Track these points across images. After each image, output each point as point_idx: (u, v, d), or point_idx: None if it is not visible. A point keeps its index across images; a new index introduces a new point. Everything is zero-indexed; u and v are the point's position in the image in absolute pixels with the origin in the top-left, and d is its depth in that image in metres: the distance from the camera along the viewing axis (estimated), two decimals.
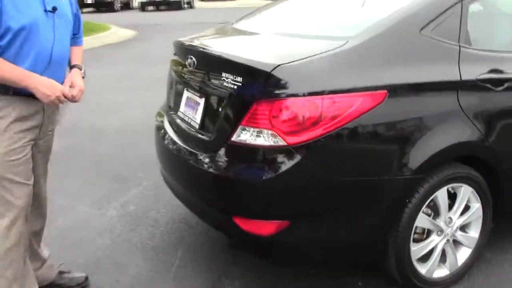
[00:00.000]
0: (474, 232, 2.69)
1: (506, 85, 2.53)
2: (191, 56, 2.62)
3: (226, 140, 2.35)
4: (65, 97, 2.13)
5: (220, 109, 2.43)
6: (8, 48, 1.96)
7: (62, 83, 2.20)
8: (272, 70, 2.15)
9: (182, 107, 2.86)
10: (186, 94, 2.83)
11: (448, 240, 2.58)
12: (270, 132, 2.17)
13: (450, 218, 2.54)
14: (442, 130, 2.35)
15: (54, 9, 2.09)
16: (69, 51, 2.29)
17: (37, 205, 2.39)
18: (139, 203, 3.73)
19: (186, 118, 2.77)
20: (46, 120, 2.23)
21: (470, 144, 2.45)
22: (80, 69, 2.37)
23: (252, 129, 2.23)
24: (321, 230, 2.27)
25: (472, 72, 2.44)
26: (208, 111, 2.56)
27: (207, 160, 2.43)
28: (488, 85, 2.48)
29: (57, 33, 2.12)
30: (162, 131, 3.00)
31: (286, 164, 2.16)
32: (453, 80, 2.38)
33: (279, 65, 2.16)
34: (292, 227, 2.22)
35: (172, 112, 3.02)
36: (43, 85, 2.04)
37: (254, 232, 2.27)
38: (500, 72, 2.55)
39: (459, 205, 2.55)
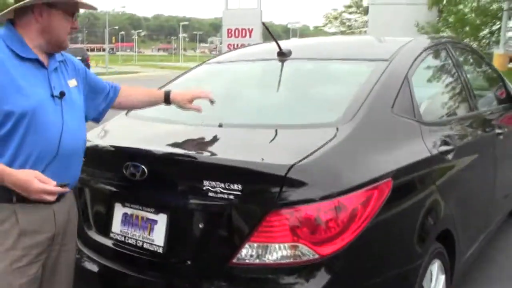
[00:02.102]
0: None
1: (455, 153, 2.62)
2: (136, 164, 2.06)
3: (224, 263, 1.86)
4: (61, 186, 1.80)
5: (203, 226, 1.93)
6: (9, 137, 1.73)
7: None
8: (287, 172, 1.79)
9: (116, 227, 2.21)
10: (121, 210, 2.20)
11: None
12: (294, 245, 1.79)
13: None
14: (432, 208, 2.31)
15: (62, 94, 1.87)
16: (85, 143, 2.01)
17: None
18: None
19: (130, 241, 2.14)
20: (59, 228, 1.90)
21: (446, 219, 2.45)
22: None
23: (265, 245, 1.81)
24: None
25: (435, 146, 2.46)
26: (177, 230, 2.02)
27: None
28: (447, 157, 2.53)
29: (67, 121, 1.86)
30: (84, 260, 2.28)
31: (321, 280, 1.79)
32: (425, 157, 2.35)
33: (293, 165, 1.81)
34: None
35: (91, 234, 2.32)
36: (15, 184, 1.72)
37: None
38: (449, 141, 2.64)
39: (436, 281, 2.49)
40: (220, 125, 2.27)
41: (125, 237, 2.17)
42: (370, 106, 2.21)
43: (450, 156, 2.59)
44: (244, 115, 2.52)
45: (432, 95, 2.98)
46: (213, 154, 2.02)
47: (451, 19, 19.75)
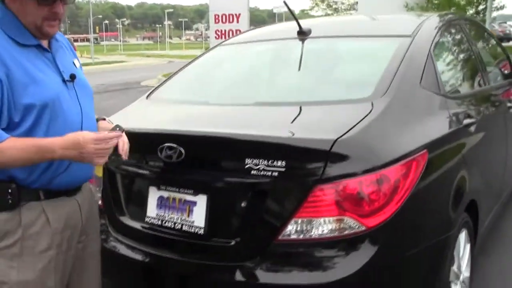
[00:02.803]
0: (467, 272, 2.71)
1: (476, 126, 2.66)
2: (172, 145, 2.05)
3: (269, 241, 1.88)
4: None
5: (246, 205, 1.94)
6: (33, 131, 1.61)
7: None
8: (332, 147, 1.81)
9: (152, 211, 2.21)
10: (157, 193, 2.20)
11: (461, 286, 2.53)
12: (340, 218, 1.81)
13: (460, 263, 2.51)
14: (461, 179, 2.34)
15: (73, 77, 1.76)
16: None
17: None
18: None
19: (167, 224, 2.15)
20: (85, 220, 1.85)
21: (473, 190, 2.48)
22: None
23: (310, 220, 1.83)
24: None
25: (459, 119, 2.49)
26: (218, 210, 2.02)
27: (244, 271, 1.91)
28: (470, 129, 2.57)
29: (83, 105, 1.78)
30: (117, 247, 2.28)
31: (368, 251, 1.82)
32: (453, 129, 2.39)
33: (337, 140, 1.83)
34: None
35: (124, 220, 2.32)
36: (67, 145, 1.60)
37: None
38: (471, 114, 2.67)
39: (464, 250, 2.54)
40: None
41: (162, 220, 2.17)
42: (400, 81, 2.22)
43: (472, 129, 2.63)
44: (276, 94, 2.53)
45: (452, 69, 3.00)
46: (253, 132, 2.02)
47: (436, 1, 19.79)
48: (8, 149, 1.54)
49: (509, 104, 3.62)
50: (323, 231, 1.83)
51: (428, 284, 2.05)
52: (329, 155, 1.81)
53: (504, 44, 4.95)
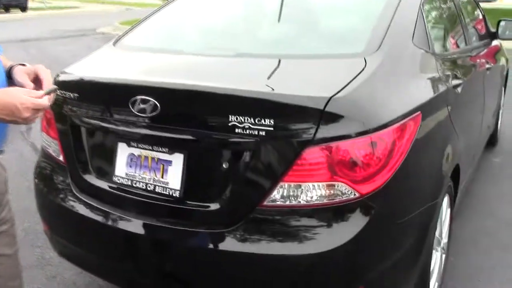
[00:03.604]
0: (446, 237, 2.67)
1: (462, 87, 2.56)
2: (147, 98, 1.84)
3: (252, 206, 1.73)
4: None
5: (228, 166, 1.77)
6: None
7: None
8: (326, 105, 1.64)
9: (121, 170, 2.01)
10: (127, 150, 2.00)
11: (441, 252, 2.49)
12: (332, 184, 1.67)
13: (441, 229, 2.45)
14: (450, 143, 2.25)
15: None
16: None
17: None
18: None
19: (138, 185, 1.96)
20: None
21: (458, 154, 2.40)
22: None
23: (299, 185, 1.68)
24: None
25: (448, 79, 2.37)
26: (196, 171, 1.85)
27: (223, 239, 1.75)
28: (457, 90, 2.46)
29: None
30: (80, 206, 2.09)
31: (359, 221, 1.69)
32: (443, 90, 2.27)
33: (331, 98, 1.66)
34: None
35: (89, 178, 2.12)
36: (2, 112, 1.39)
37: None
38: (458, 75, 2.56)
39: (445, 215, 2.48)
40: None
41: (132, 180, 1.98)
42: (393, 37, 2.07)
43: (459, 90, 2.53)
44: (259, 45, 2.31)
45: (438, 27, 2.86)
46: (238, 86, 1.82)
47: None
48: None
49: (487, 66, 3.55)
50: (312, 197, 1.68)
51: (415, 253, 1.96)
52: (323, 114, 1.64)
53: (483, 4, 4.85)
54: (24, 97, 1.42)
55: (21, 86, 1.52)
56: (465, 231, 3.21)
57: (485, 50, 3.70)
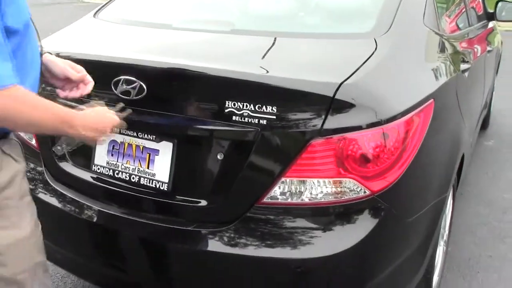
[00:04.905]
0: (447, 229, 2.53)
1: (469, 71, 2.40)
2: (132, 79, 1.63)
3: (250, 203, 1.55)
4: None
5: (223, 158, 1.58)
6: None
7: None
8: (336, 92, 1.46)
9: (101, 158, 1.81)
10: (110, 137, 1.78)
11: (443, 245, 2.36)
12: (339, 180, 1.49)
13: (445, 222, 2.31)
14: (458, 132, 2.10)
15: None
16: None
17: None
18: None
19: (121, 175, 1.76)
20: None
21: (464, 143, 2.25)
22: None
23: (304, 180, 1.50)
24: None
25: (456, 63, 2.20)
26: (187, 162, 1.65)
27: (217, 239, 1.57)
28: (465, 75, 2.29)
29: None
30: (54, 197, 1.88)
31: (369, 222, 1.53)
32: (454, 75, 2.10)
33: (342, 83, 1.48)
34: None
35: (65, 167, 1.91)
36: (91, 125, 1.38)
37: None
38: (465, 58, 2.40)
39: (449, 208, 2.34)
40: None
41: (114, 170, 1.78)
42: (404, 17, 1.88)
43: (466, 74, 2.37)
44: (257, 21, 2.08)
45: (444, 6, 2.68)
46: (237, 67, 1.61)
47: None
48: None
49: (488, 48, 3.40)
50: (317, 194, 1.50)
51: (423, 251, 1.81)
52: (332, 102, 1.46)
53: None
54: (112, 115, 1.45)
55: (56, 75, 1.51)
56: (461, 221, 3.10)
57: (485, 32, 3.55)
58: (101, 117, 1.43)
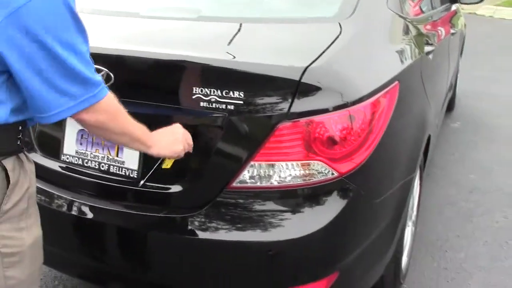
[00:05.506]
0: (415, 210, 2.60)
1: (434, 53, 2.45)
2: (99, 68, 1.61)
3: (220, 189, 1.56)
4: None
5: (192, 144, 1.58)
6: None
7: None
8: (302, 76, 1.48)
9: (70, 147, 1.79)
10: (76, 126, 1.77)
11: (411, 226, 2.42)
12: (308, 163, 1.52)
13: (413, 203, 2.37)
14: (424, 113, 2.15)
15: None
16: None
17: None
18: None
19: (91, 164, 1.75)
20: None
21: (430, 124, 2.31)
22: None
23: (272, 164, 1.53)
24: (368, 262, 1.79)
25: (420, 45, 2.25)
26: None
27: (187, 225, 1.58)
28: (429, 57, 2.34)
29: None
30: None
31: (338, 203, 1.56)
32: (418, 58, 2.14)
33: (307, 67, 1.50)
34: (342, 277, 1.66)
35: (34, 157, 1.88)
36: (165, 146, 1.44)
37: None
38: (429, 41, 2.44)
39: (416, 189, 2.40)
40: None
41: (83, 159, 1.77)
42: (368, 0, 1.91)
43: (431, 56, 2.42)
44: (224, 7, 2.07)
45: None
46: (202, 53, 1.61)
47: None
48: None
49: (452, 31, 3.47)
50: (286, 177, 1.53)
51: (391, 232, 1.86)
52: (298, 86, 1.48)
53: None
54: (184, 134, 1.48)
55: None
56: (429, 201, 3.18)
57: (448, 14, 3.62)
58: (174, 141, 1.45)
